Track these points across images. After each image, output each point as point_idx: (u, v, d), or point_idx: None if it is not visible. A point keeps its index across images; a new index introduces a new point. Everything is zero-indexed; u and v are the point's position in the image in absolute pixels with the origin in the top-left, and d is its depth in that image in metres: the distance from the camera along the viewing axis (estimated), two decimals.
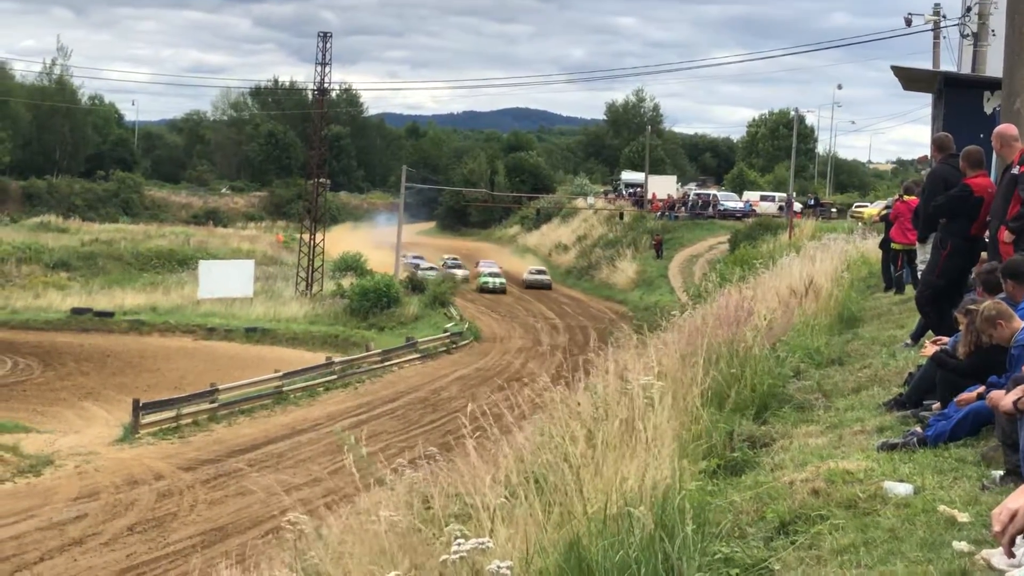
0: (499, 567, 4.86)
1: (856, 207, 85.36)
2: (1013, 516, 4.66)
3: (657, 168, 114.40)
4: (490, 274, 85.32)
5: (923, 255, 15.43)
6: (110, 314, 67.28)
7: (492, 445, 10.78)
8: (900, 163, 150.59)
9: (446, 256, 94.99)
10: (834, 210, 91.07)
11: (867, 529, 7.15)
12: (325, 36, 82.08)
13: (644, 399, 9.46)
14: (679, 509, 5.68)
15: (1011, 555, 5.08)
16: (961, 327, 10.13)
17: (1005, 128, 12.83)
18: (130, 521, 30.96)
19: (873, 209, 76.29)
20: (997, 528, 4.70)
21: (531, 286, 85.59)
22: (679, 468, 6.67)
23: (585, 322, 66.32)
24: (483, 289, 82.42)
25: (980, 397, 8.90)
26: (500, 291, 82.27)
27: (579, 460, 6.86)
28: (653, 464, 6.40)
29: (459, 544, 5.24)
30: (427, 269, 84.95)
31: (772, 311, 15.85)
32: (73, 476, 35.04)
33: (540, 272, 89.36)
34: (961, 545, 6.51)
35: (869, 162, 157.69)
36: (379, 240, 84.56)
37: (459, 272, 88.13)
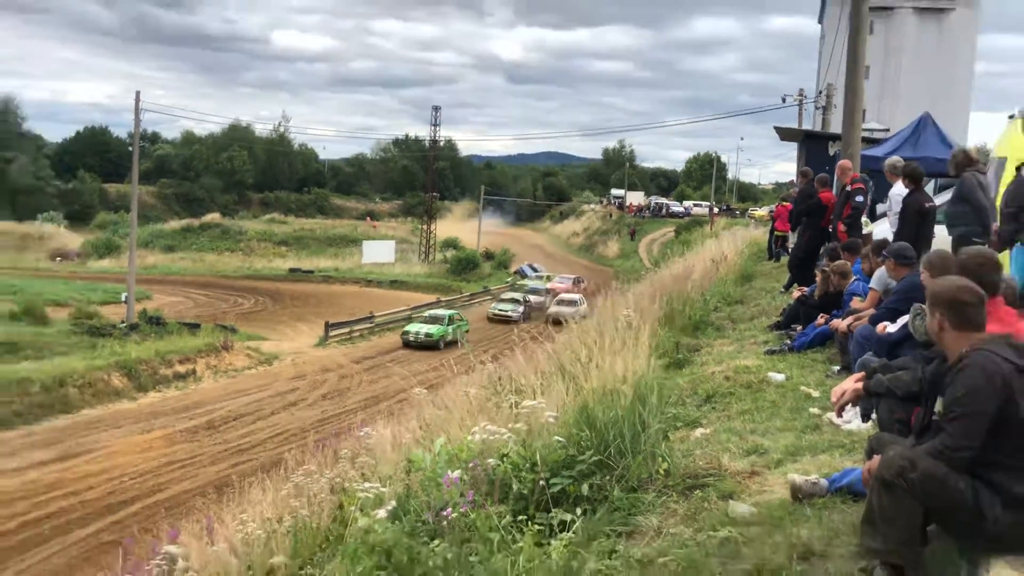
0: (549, 416, 4.89)
1: (751, 210, 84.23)
2: (844, 393, 4.62)
3: (632, 187, 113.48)
4: (563, 302, 42.33)
5: (794, 238, 15.29)
6: (311, 272, 67.61)
7: (537, 347, 10.78)
8: (777, 184, 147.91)
9: (527, 268, 66.59)
10: (738, 212, 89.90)
11: (757, 400, 7.11)
12: (436, 109, 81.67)
13: (625, 323, 9.43)
14: (648, 387, 5.65)
15: (840, 416, 5.04)
16: (817, 279, 10.02)
17: (844, 163, 12.69)
18: (324, 392, 31.28)
19: (761, 211, 75.35)
20: (833, 400, 4.66)
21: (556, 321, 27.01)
22: (649, 364, 6.63)
23: (594, 277, 66.12)
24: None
25: (827, 322, 8.82)
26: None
27: (587, 360, 6.82)
28: (633, 361, 6.37)
29: (524, 404, 5.24)
30: (530, 290, 52.08)
31: (702, 272, 15.71)
32: (290, 366, 35.42)
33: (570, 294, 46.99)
34: (814, 410, 6.47)
35: (759, 183, 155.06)
36: (468, 229, 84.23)
37: (533, 298, 49.34)
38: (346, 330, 42.08)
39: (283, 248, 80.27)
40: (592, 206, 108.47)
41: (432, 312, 43.20)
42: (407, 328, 40.27)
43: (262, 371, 34.50)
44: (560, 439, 4.95)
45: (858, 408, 5.26)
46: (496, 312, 47.50)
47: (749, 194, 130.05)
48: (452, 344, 36.25)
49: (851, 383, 4.60)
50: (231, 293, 57.59)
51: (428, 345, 38.02)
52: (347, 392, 31.29)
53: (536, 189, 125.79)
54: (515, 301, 49.08)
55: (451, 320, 40.44)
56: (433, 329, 39.39)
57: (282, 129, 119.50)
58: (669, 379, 8.21)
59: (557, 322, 16.03)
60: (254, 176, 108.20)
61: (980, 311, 3.69)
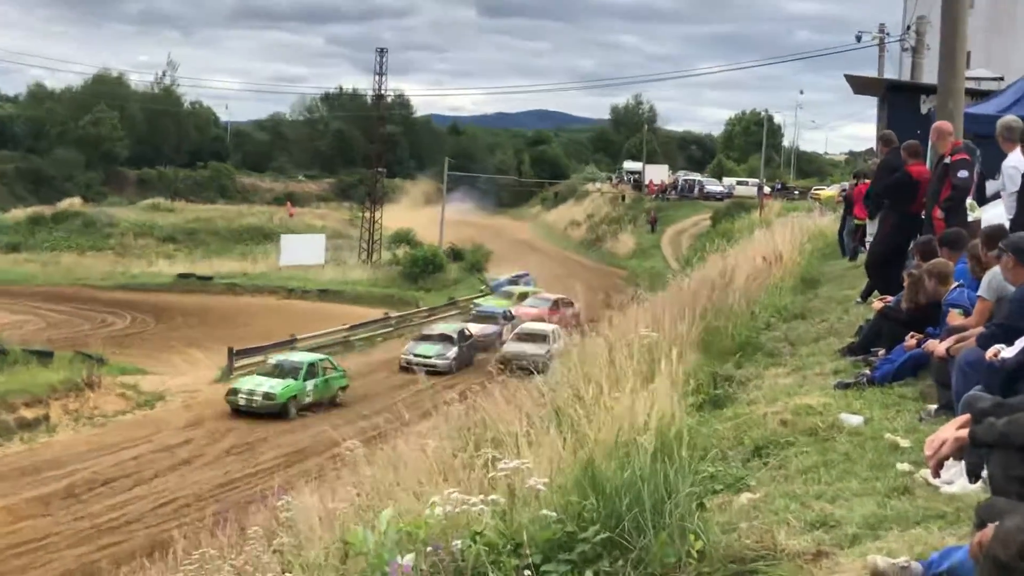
0: (537, 483, 4.89)
1: (815, 190, 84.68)
2: (943, 443, 4.64)
3: (652, 159, 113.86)
4: (525, 336, 40.37)
5: (873, 228, 15.41)
6: (209, 278, 67.46)
7: (519, 383, 10.81)
8: (851, 154, 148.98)
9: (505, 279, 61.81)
10: (796, 192, 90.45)
11: (826, 452, 7.12)
12: (382, 51, 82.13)
13: (644, 347, 9.47)
14: (676, 436, 5.67)
15: (937, 475, 5.08)
16: (905, 285, 10.08)
17: (942, 124, 12.76)
18: (228, 445, 31.18)
19: (830, 192, 75.84)
20: (929, 453, 4.68)
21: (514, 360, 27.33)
22: (677, 404, 6.65)
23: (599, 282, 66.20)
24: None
25: (919, 344, 8.87)
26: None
27: (593, 399, 6.84)
28: (656, 401, 6.39)
29: (505, 464, 5.24)
30: (480, 314, 50.42)
31: (749, 275, 15.81)
32: (181, 409, 35.26)
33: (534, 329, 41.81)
34: (904, 466, 6.49)
35: (825, 153, 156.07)
36: (427, 217, 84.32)
37: (480, 330, 46.11)
38: (258, 359, 41.87)
39: (170, 246, 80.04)
40: (598, 185, 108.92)
41: (281, 358, 37.91)
42: (235, 385, 35.61)
43: (142, 416, 34.27)
44: (552, 512, 4.95)
45: (963, 464, 5.28)
46: (412, 358, 40.30)
47: (812, 168, 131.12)
48: (314, 408, 34.42)
49: (952, 429, 4.62)
50: (97, 309, 57.21)
51: (266, 412, 34.01)
52: (260, 445, 31.17)
53: (521, 162, 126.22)
54: (445, 339, 42.94)
55: (313, 371, 36.44)
56: (277, 387, 34.89)
57: (167, 81, 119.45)
58: (705, 424, 8.22)
59: (522, 368, 13.90)
60: (129, 146, 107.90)
61: None
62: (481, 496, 4.96)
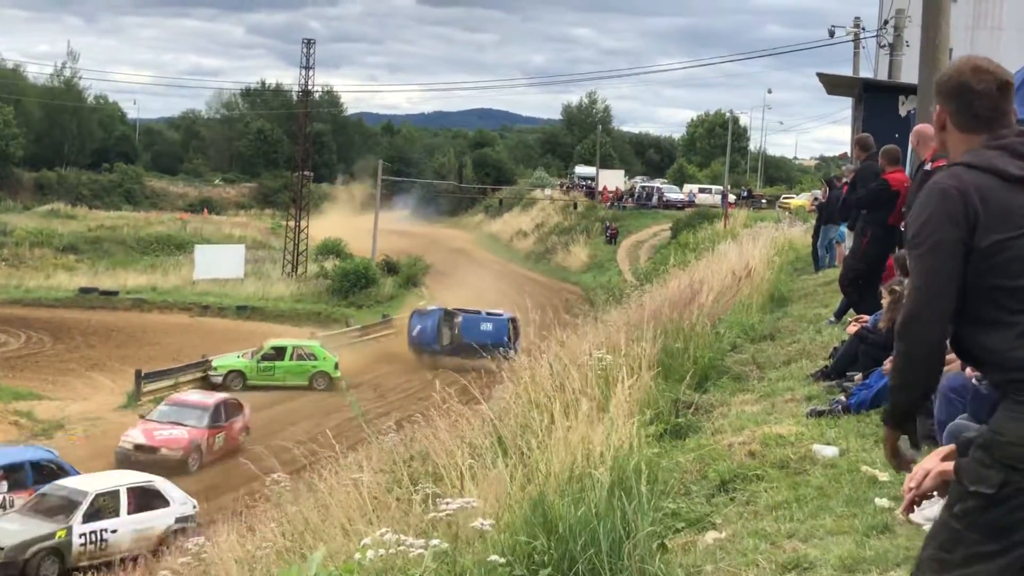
0: (482, 524, 4.87)
1: (783, 199, 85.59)
2: (924, 475, 4.67)
3: (607, 163, 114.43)
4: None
5: (849, 241, 15.58)
6: (114, 293, 66.86)
7: (461, 411, 10.78)
8: (822, 159, 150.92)
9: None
10: (764, 201, 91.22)
11: (798, 487, 7.17)
12: (309, 43, 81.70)
13: (598, 371, 9.47)
14: (635, 470, 5.68)
15: (912, 511, 5.10)
16: (884, 303, 10.18)
17: (924, 128, 12.89)
18: None
19: (800, 200, 76.58)
20: (912, 485, 4.70)
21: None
22: (635, 434, 6.66)
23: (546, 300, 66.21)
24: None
25: None
26: None
27: (543, 428, 6.84)
28: (611, 430, 6.39)
29: (447, 503, 5.22)
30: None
31: (713, 292, 15.90)
32: (81, 440, 34.81)
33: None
34: (883, 502, 6.54)
35: (795, 158, 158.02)
36: (359, 227, 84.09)
37: None
38: (169, 382, 41.56)
39: (70, 257, 79.14)
40: (547, 192, 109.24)
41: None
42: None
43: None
44: (499, 557, 4.93)
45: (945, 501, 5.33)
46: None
47: (780, 174, 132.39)
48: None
49: (936, 460, 4.64)
50: None
51: None
52: (170, 480, 30.81)
53: (463, 166, 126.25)
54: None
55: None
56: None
57: (68, 73, 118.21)
58: (665, 456, 8.24)
59: None
60: (25, 145, 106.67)
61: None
62: (421, 539, 4.93)
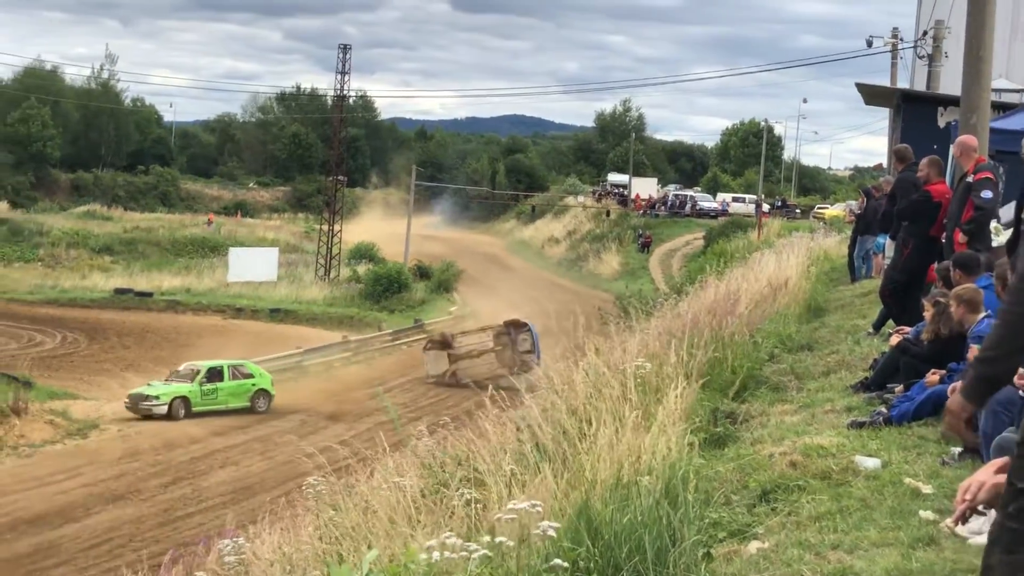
0: (547, 527, 4.88)
1: (818, 208, 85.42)
2: (978, 488, 4.64)
3: (640, 171, 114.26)
4: None
5: (889, 251, 15.52)
6: (149, 294, 67.32)
7: (497, 417, 10.78)
8: (857, 170, 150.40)
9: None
10: (798, 211, 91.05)
11: (841, 498, 7.14)
12: (345, 48, 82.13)
13: (638, 380, 9.46)
14: (682, 479, 5.67)
15: (963, 522, 5.06)
16: (927, 315, 10.13)
17: (967, 139, 12.86)
18: (167, 480, 31.01)
19: (835, 210, 76.33)
20: (959, 500, 4.66)
21: None
22: (682, 443, 6.66)
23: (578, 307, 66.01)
24: None
25: (941, 380, 8.91)
26: None
27: (591, 434, 6.84)
28: (655, 438, 6.39)
29: (512, 505, 5.23)
30: None
31: (749, 301, 15.87)
32: (116, 439, 35.08)
33: None
34: (927, 514, 6.51)
35: (829, 168, 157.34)
36: (391, 231, 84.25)
37: None
38: None
39: (106, 258, 79.73)
40: (580, 199, 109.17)
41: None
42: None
43: (73, 447, 34.08)
44: (562, 562, 4.93)
45: (993, 514, 5.29)
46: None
47: (814, 184, 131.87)
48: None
49: (989, 473, 4.62)
50: (24, 326, 56.89)
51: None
52: (203, 479, 31.04)
53: (495, 172, 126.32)
54: None
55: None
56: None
57: (106, 75, 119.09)
58: (703, 466, 8.23)
59: None
60: (62, 147, 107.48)
61: None
62: (481, 539, 4.94)
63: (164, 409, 37.99)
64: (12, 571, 23.78)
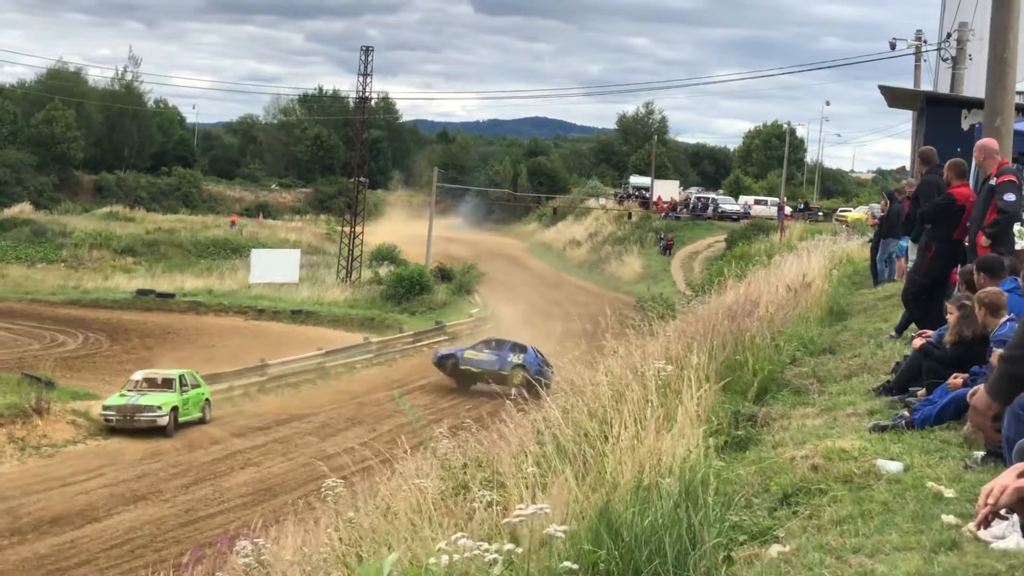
0: (556, 530, 4.88)
1: (840, 211, 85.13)
2: (1001, 492, 4.62)
3: (661, 173, 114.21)
4: None
5: (912, 254, 15.48)
6: (171, 295, 67.53)
7: (516, 420, 10.79)
8: (880, 172, 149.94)
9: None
10: (821, 214, 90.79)
11: (862, 502, 7.11)
12: (367, 50, 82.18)
13: (658, 383, 9.45)
14: (703, 481, 5.67)
15: (985, 526, 5.04)
16: (950, 318, 10.09)
17: (989, 142, 12.81)
18: (188, 480, 31.09)
19: (857, 213, 76.06)
20: (991, 501, 4.64)
21: None
22: (703, 445, 6.65)
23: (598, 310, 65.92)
24: None
25: (964, 384, 8.87)
26: None
27: (613, 436, 6.84)
28: (676, 441, 6.38)
29: (521, 508, 5.22)
30: None
31: (771, 304, 15.83)
32: (138, 440, 35.12)
33: None
34: (950, 518, 6.48)
35: (852, 171, 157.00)
36: (413, 233, 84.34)
37: None
38: (224, 385, 41.83)
39: (128, 259, 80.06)
40: (602, 201, 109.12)
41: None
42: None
43: (95, 447, 34.23)
44: (573, 564, 4.93)
45: (1015, 517, 5.27)
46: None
47: (837, 187, 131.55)
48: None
49: (1011, 477, 4.60)
50: (47, 326, 57.13)
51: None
52: (224, 479, 31.12)
53: (517, 174, 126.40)
54: None
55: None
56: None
57: (129, 77, 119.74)
58: (724, 468, 8.21)
59: None
60: (86, 148, 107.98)
61: None
62: (497, 543, 4.94)
63: (166, 420, 35.35)
64: (34, 571, 23.86)
